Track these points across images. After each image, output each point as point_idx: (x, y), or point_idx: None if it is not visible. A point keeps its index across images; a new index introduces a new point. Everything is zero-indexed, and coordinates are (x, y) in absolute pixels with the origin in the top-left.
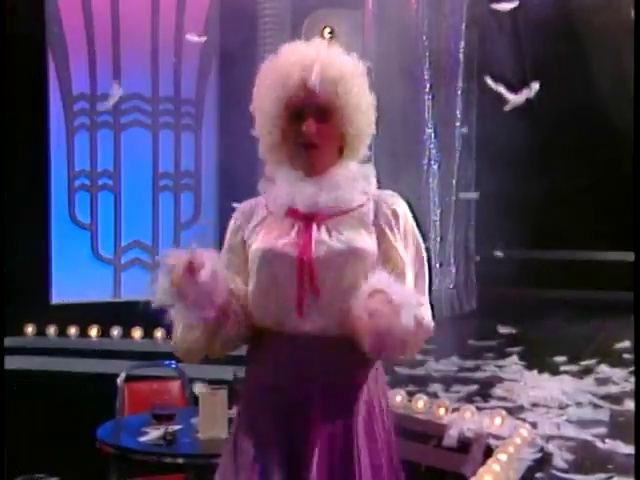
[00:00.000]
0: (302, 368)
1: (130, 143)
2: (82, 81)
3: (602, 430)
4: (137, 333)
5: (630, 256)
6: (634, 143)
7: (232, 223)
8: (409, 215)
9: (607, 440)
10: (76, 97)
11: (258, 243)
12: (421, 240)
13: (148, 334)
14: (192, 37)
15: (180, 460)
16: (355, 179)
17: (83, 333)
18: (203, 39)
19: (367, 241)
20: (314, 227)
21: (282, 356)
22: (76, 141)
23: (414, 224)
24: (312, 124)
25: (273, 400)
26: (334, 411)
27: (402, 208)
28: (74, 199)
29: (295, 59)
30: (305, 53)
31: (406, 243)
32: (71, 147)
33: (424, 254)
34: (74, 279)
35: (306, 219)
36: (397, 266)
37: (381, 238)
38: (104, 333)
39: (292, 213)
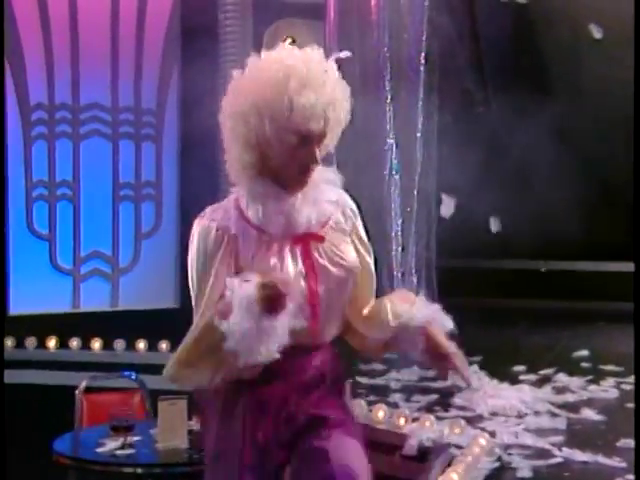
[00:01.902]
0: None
1: (89, 153)
2: (40, 90)
3: (559, 438)
4: (96, 344)
5: (592, 265)
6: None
7: (213, 238)
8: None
9: (564, 448)
10: (34, 107)
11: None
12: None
13: (108, 345)
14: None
15: (139, 470)
16: (324, 186)
17: (41, 344)
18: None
19: (353, 256)
20: (313, 251)
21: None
22: (34, 151)
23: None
24: (319, 154)
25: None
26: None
27: (354, 207)
28: (32, 209)
29: (311, 85)
30: (316, 79)
31: (362, 242)
32: (29, 157)
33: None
34: (32, 290)
35: (302, 241)
36: (367, 270)
37: (355, 245)
38: (63, 344)
39: (288, 234)
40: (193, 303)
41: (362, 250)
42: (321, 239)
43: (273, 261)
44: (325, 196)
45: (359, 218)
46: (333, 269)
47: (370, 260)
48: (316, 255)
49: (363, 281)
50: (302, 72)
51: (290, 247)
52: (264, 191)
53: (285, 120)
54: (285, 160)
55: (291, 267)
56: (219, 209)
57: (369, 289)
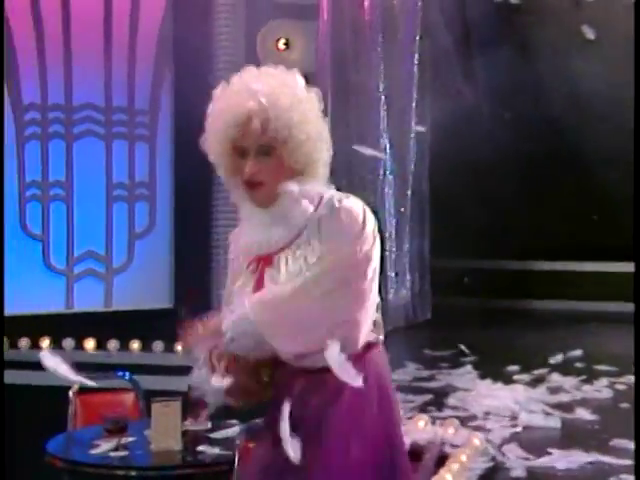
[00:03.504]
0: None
1: (83, 153)
2: (33, 91)
3: (553, 438)
4: (90, 344)
5: (585, 266)
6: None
7: (230, 253)
8: (343, 215)
9: (557, 448)
10: (27, 107)
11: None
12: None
13: (101, 345)
14: None
15: (133, 472)
16: (297, 202)
17: (34, 345)
18: None
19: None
20: (265, 274)
21: None
22: (27, 151)
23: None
24: (254, 165)
25: None
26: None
27: (335, 208)
28: (25, 209)
29: (237, 100)
30: (246, 91)
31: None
32: (22, 157)
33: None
34: (25, 290)
35: (261, 262)
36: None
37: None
38: (56, 345)
39: (251, 257)
40: None
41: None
42: (269, 262)
43: (239, 281)
44: (296, 211)
45: (329, 222)
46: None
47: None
48: (267, 276)
49: None
50: (252, 95)
51: (255, 266)
52: (243, 210)
53: (214, 127)
54: (230, 176)
55: (245, 284)
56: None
57: None
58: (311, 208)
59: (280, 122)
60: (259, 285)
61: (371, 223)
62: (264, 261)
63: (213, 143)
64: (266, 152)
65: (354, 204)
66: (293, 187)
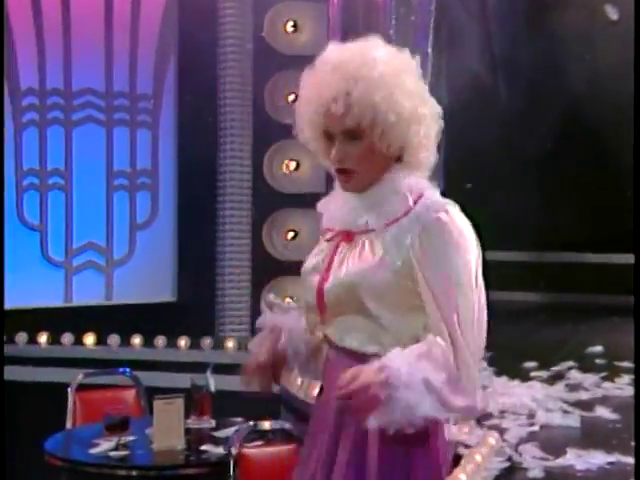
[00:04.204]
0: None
1: (82, 140)
2: (30, 75)
3: (572, 437)
4: (89, 339)
5: (609, 258)
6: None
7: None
8: (452, 229)
9: (576, 448)
10: (24, 92)
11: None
12: (466, 263)
13: (101, 340)
14: None
15: (134, 472)
16: (397, 193)
17: (32, 340)
18: None
19: (367, 265)
20: (339, 251)
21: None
22: (24, 138)
23: (460, 241)
24: (340, 150)
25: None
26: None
27: (441, 221)
28: (22, 199)
29: (318, 83)
30: (328, 72)
31: (435, 267)
32: (19, 144)
33: (461, 282)
34: (23, 283)
35: (341, 235)
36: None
37: (415, 264)
38: (54, 340)
39: (332, 227)
40: None
41: (424, 275)
42: (349, 239)
43: (313, 258)
44: (394, 202)
45: (435, 236)
46: (341, 272)
47: (435, 294)
48: (340, 255)
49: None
50: (339, 76)
51: (333, 243)
52: (334, 192)
53: (304, 111)
54: (323, 160)
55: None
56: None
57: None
58: (410, 202)
59: (363, 103)
60: (331, 260)
61: (473, 237)
62: (344, 236)
63: (303, 129)
64: (354, 136)
65: (458, 217)
66: (399, 179)
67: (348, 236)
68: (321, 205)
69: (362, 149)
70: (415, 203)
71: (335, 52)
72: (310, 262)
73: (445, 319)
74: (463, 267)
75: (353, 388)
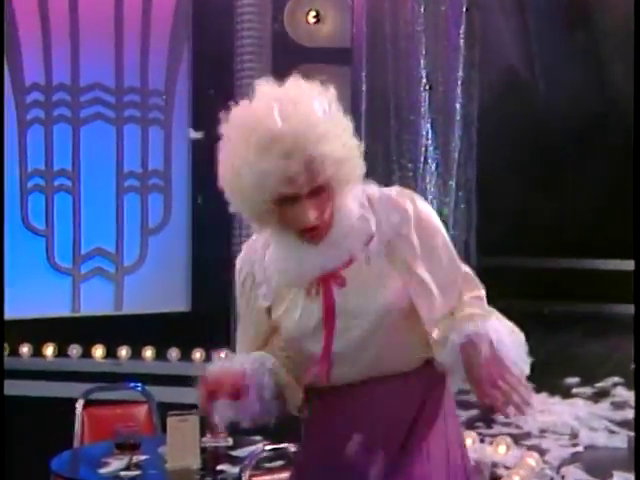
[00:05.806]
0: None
1: (91, 139)
2: (36, 69)
3: (618, 459)
4: (98, 352)
5: None
6: (633, 151)
7: (240, 282)
8: (417, 212)
9: (622, 470)
10: (29, 87)
11: (285, 323)
12: (439, 235)
13: (111, 353)
14: None
15: None
16: (355, 216)
17: (37, 352)
18: None
19: (389, 293)
20: (334, 292)
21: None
22: (29, 137)
23: (428, 219)
24: (310, 209)
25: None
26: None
27: (403, 210)
28: (27, 202)
29: (268, 152)
30: (276, 140)
31: (427, 255)
32: (23, 143)
33: (445, 248)
34: (27, 291)
35: (324, 281)
36: (426, 295)
37: (405, 269)
38: (61, 352)
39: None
40: None
41: (415, 266)
42: (341, 281)
43: (293, 311)
44: (358, 229)
45: (407, 224)
46: (355, 313)
47: (426, 277)
48: (338, 297)
49: (417, 303)
50: (268, 126)
51: (311, 290)
52: (286, 238)
53: (250, 191)
54: (282, 224)
55: (307, 315)
56: (250, 246)
57: (426, 311)
58: (370, 214)
59: (326, 160)
60: (329, 307)
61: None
62: (330, 280)
63: (241, 197)
64: (319, 191)
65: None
66: (348, 205)
67: (334, 277)
68: (243, 262)
69: (328, 199)
70: (372, 207)
71: (273, 108)
72: (292, 324)
73: (455, 284)
74: (443, 234)
75: (496, 380)
